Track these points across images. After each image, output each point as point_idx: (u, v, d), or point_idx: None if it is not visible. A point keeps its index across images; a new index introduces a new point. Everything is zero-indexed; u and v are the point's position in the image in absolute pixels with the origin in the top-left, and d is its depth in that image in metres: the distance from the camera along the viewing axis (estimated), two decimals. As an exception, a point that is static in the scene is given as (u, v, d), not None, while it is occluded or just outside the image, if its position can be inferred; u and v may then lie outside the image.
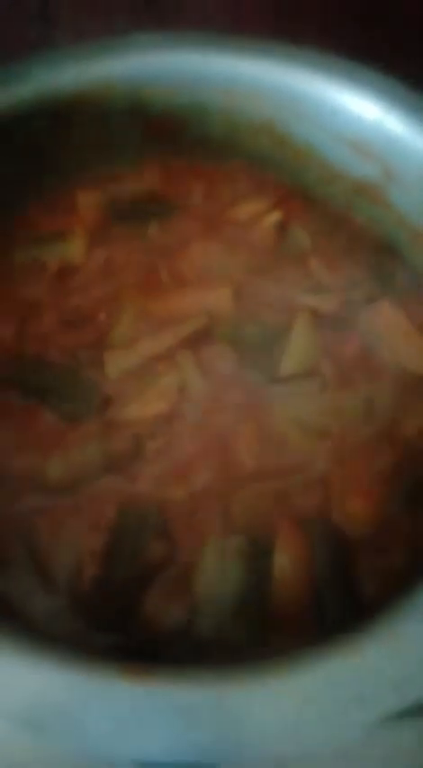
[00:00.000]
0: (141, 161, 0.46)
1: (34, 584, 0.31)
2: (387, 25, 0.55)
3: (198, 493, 0.33)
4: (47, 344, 0.38)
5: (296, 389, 0.36)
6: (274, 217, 0.44)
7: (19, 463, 0.34)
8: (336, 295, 0.41)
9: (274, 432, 0.35)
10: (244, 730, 0.21)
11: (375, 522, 0.33)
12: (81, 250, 0.42)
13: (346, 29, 0.54)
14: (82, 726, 0.21)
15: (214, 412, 0.36)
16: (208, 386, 0.37)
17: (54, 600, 0.30)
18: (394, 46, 0.53)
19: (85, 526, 0.32)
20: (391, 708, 0.22)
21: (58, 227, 0.44)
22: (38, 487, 0.34)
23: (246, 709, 0.22)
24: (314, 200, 0.46)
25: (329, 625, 0.29)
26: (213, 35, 0.43)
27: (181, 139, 0.46)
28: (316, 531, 0.32)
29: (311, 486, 0.34)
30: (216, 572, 0.30)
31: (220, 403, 0.36)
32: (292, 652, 0.24)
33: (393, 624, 0.24)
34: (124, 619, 0.30)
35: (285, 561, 0.31)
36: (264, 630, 0.30)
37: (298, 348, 0.38)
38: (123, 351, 0.38)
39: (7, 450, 0.35)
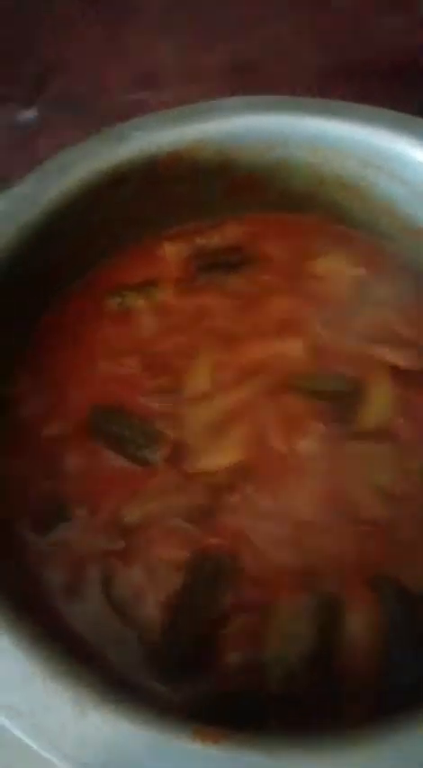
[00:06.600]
0: (226, 215, 0.48)
1: (111, 627, 0.32)
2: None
3: (271, 546, 0.34)
4: (130, 388, 0.40)
5: (371, 450, 0.36)
6: (354, 272, 0.45)
7: (98, 507, 0.36)
8: (415, 351, 0.41)
9: (347, 491, 0.35)
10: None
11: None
12: (167, 298, 0.44)
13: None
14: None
15: (290, 466, 0.37)
16: (283, 438, 0.38)
17: (128, 646, 0.32)
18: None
19: (160, 572, 0.34)
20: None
21: (145, 277, 0.46)
22: (115, 531, 0.35)
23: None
24: (394, 255, 0.47)
25: (401, 682, 0.29)
26: (300, 98, 0.45)
27: (265, 194, 0.47)
28: (385, 590, 0.32)
29: (381, 544, 0.34)
30: (288, 629, 0.30)
31: (296, 457, 0.37)
32: (357, 723, 0.24)
33: None
34: (194, 668, 0.31)
35: (357, 622, 0.31)
36: (332, 687, 0.29)
37: (375, 405, 0.38)
38: (203, 406, 0.39)
39: (88, 494, 0.37)
